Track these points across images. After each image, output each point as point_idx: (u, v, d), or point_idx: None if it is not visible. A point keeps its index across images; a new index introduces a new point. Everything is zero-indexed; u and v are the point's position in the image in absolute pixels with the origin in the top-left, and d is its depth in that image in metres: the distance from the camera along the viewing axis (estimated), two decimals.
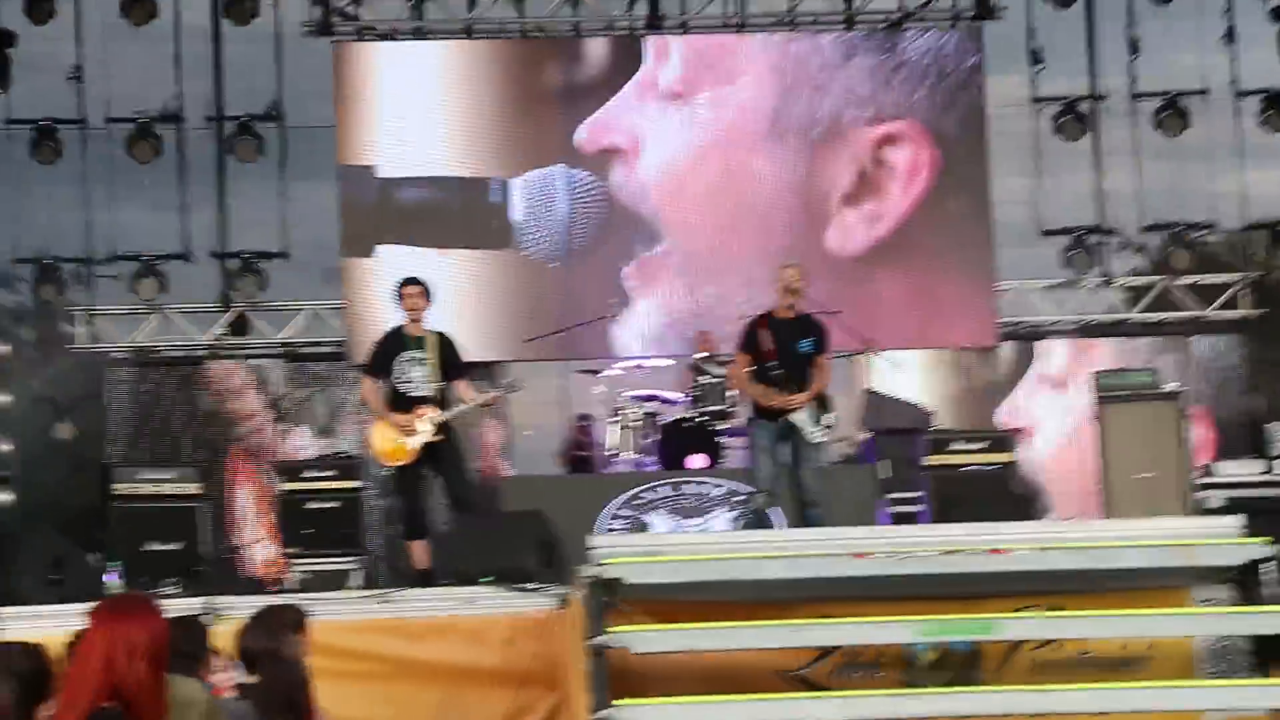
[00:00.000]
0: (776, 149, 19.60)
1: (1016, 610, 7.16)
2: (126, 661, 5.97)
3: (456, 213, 19.38)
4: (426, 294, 13.10)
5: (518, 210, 19.35)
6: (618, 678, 6.98)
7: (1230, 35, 20.18)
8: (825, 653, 7.35)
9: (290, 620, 9.39)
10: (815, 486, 13.18)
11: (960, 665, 7.31)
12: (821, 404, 13.30)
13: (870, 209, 19.61)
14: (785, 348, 13.09)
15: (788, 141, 19.60)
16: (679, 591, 7.28)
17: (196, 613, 8.59)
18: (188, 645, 7.25)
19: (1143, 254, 20.89)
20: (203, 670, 7.58)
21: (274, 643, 8.77)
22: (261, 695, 8.07)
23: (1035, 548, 7.33)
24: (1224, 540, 7.52)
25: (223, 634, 8.41)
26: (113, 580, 13.29)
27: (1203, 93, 20.20)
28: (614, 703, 6.70)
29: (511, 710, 10.54)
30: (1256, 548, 7.32)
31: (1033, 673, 7.34)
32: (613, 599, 7.09)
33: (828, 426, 13.42)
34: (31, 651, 5.77)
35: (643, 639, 6.97)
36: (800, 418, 13.04)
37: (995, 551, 7.28)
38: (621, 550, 7.43)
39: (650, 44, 19.77)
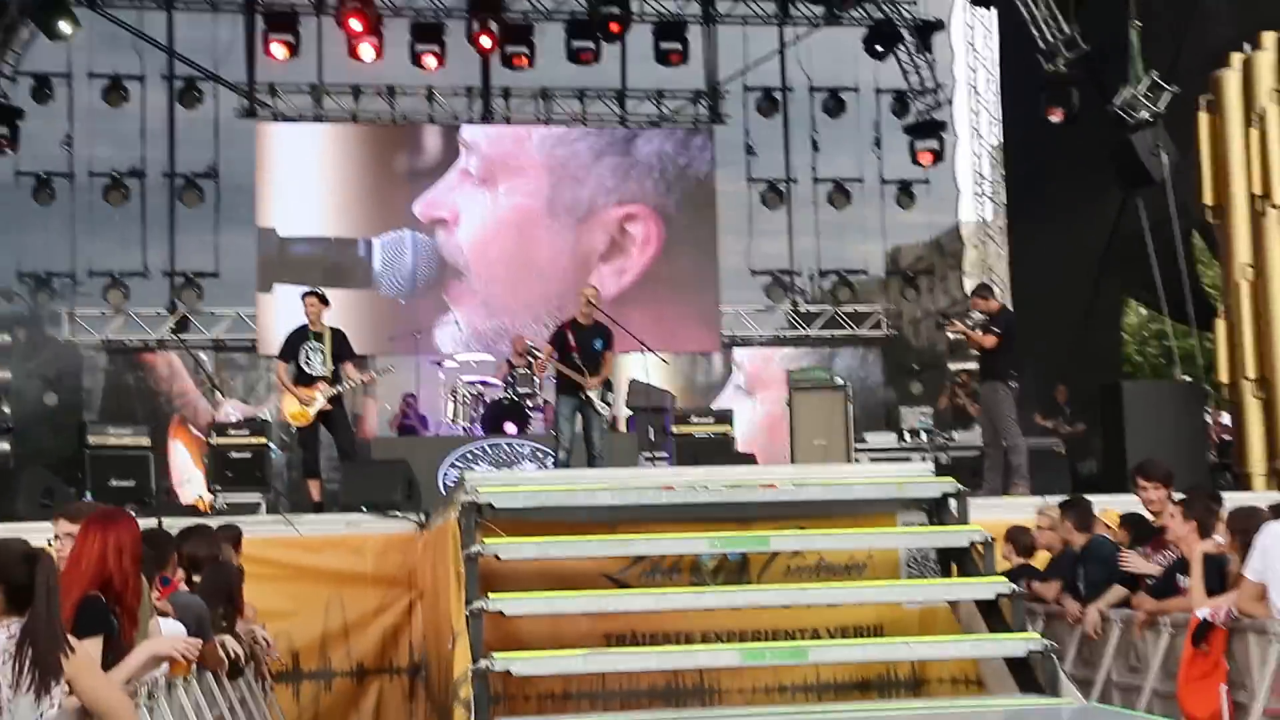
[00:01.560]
0: (553, 223, 19.34)
1: (777, 530, 6.62)
2: (116, 559, 5.21)
3: (333, 262, 18.74)
4: (323, 301, 12.37)
5: (377, 261, 18.97)
6: (482, 579, 6.32)
7: (878, 143, 20.18)
8: (636, 560, 6.76)
9: (228, 536, 8.66)
10: (600, 445, 12.59)
11: (734, 570, 6.81)
12: (607, 386, 12.78)
13: (617, 265, 19.45)
14: (584, 345, 12.52)
15: (560, 218, 19.35)
16: (532, 514, 6.64)
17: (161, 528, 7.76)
18: (156, 551, 6.53)
19: (817, 289, 20.62)
20: (166, 571, 6.84)
21: (214, 550, 8.02)
22: (205, 590, 7.35)
23: (795, 483, 6.83)
24: (923, 479, 7.09)
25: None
26: None
27: (859, 180, 20.14)
28: (491, 595, 6.02)
29: (381, 604, 10.19)
30: (946, 484, 6.89)
31: (786, 575, 6.86)
32: (481, 518, 6.41)
33: (608, 403, 12.89)
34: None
35: (507, 548, 6.32)
36: (592, 395, 12.47)
37: (767, 486, 6.77)
38: (490, 481, 6.76)
39: (463, 141, 19.33)
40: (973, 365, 18.67)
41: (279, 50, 18.42)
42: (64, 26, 17.13)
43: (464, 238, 19.17)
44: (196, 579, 7.61)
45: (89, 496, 12.49)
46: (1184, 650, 6.71)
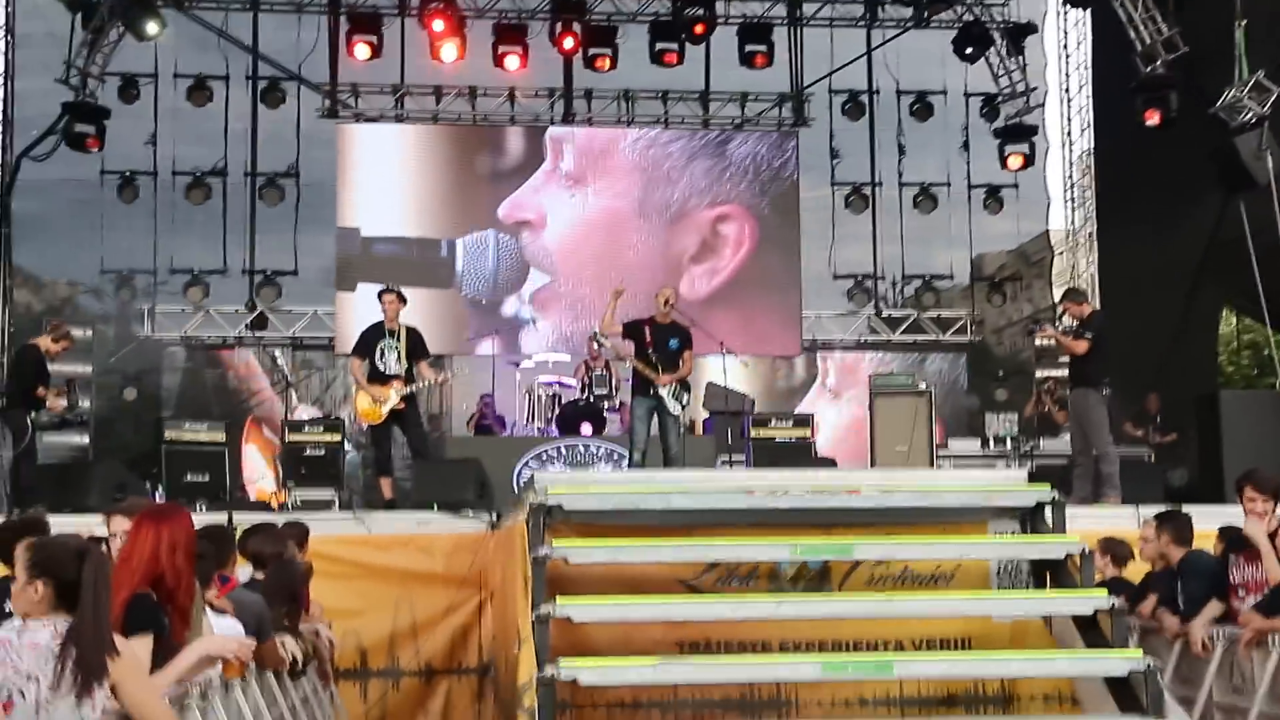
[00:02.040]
0: (644, 224, 19.01)
1: (861, 538, 6.23)
2: (169, 556, 4.98)
3: (416, 262, 18.56)
4: (401, 299, 12.27)
5: (460, 262, 18.76)
6: (550, 583, 5.99)
7: (966, 146, 19.64)
8: (711, 566, 6.40)
9: (294, 533, 8.45)
10: (675, 447, 12.29)
11: (814, 578, 6.43)
12: (683, 386, 12.46)
13: (709, 266, 19.11)
14: (659, 342, 12.26)
15: (651, 219, 19.03)
16: (603, 517, 6.31)
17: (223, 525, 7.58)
18: (216, 547, 6.32)
19: (902, 294, 20.11)
20: (226, 569, 6.60)
21: (279, 548, 7.80)
22: (268, 588, 7.13)
23: (881, 489, 6.44)
24: (1016, 487, 6.65)
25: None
26: (156, 500, 12.17)
27: (946, 184, 19.61)
28: (558, 599, 5.69)
29: (450, 604, 9.99)
30: (1041, 492, 6.45)
31: (868, 585, 6.47)
32: (551, 520, 6.09)
33: (683, 404, 12.55)
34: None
35: (576, 552, 5.99)
36: (664, 393, 12.17)
37: (851, 491, 6.38)
38: (561, 482, 6.44)
39: (548, 141, 19.10)
40: (1060, 372, 18.21)
41: (362, 51, 18.26)
42: (151, 27, 17.20)
43: (550, 239, 18.92)
44: (261, 576, 7.42)
45: (161, 491, 12.40)
46: None
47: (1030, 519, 6.47)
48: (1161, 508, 8.88)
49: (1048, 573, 6.38)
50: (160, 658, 4.85)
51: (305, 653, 7.36)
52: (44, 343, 12.12)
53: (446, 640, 10.04)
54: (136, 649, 4.58)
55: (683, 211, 19.08)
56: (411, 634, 9.98)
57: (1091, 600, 5.94)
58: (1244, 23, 13.56)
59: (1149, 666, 5.66)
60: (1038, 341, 17.39)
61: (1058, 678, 6.11)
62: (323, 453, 13.65)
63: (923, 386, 15.20)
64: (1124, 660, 5.71)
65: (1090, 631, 6.00)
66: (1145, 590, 8.13)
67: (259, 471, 17.28)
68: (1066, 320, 12.49)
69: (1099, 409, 12.05)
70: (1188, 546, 7.90)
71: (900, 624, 6.37)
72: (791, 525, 6.36)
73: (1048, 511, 6.41)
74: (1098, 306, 17.78)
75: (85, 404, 15.50)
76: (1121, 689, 5.78)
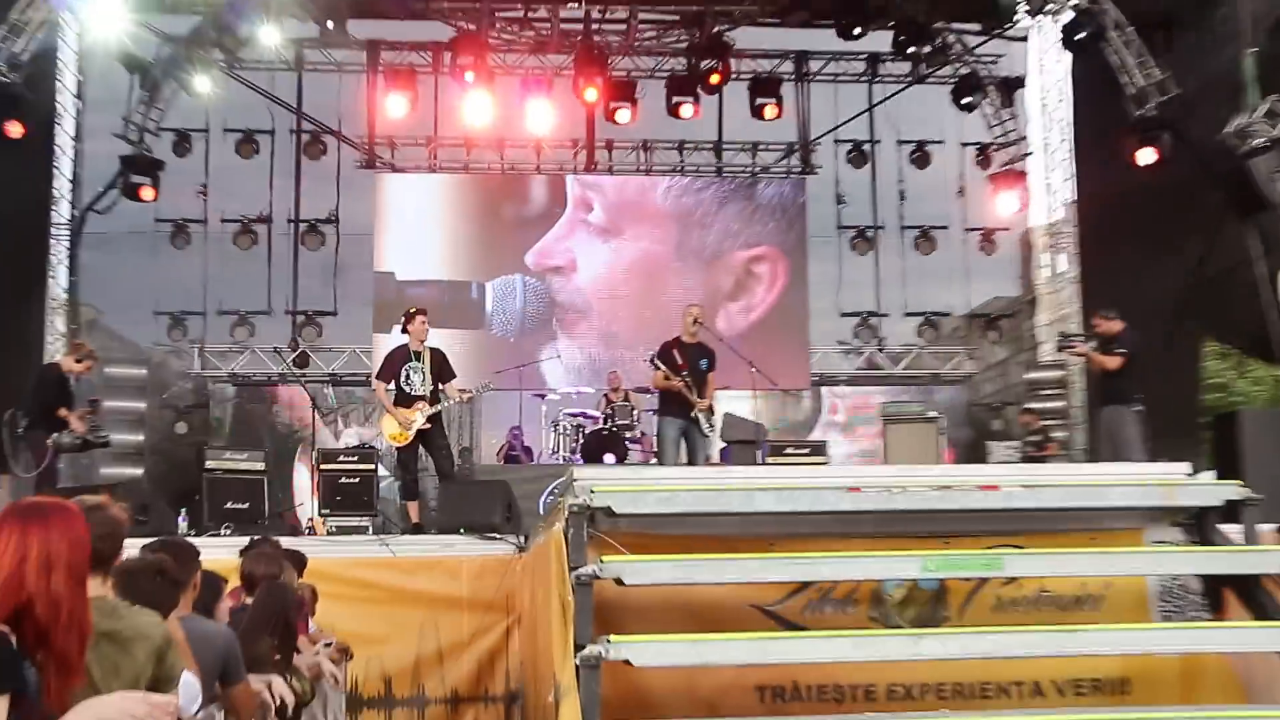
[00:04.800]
0: (681, 267, 17.06)
1: (1005, 547, 3.99)
2: (41, 576, 2.68)
3: (447, 304, 16.50)
4: (427, 322, 10.23)
5: (489, 303, 16.83)
6: (595, 611, 3.74)
7: (962, 191, 17.74)
8: (799, 588, 4.16)
9: (292, 557, 6.24)
10: None
11: (926, 602, 4.26)
12: (710, 409, 10.37)
13: (743, 304, 17.09)
14: (691, 363, 10.17)
15: (688, 262, 17.10)
16: (660, 525, 4.07)
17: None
18: (179, 563, 4.11)
19: (903, 330, 17.99)
20: (190, 596, 4.35)
21: (274, 568, 5.59)
22: (253, 616, 4.93)
23: (1025, 484, 4.24)
24: (1193, 482, 4.42)
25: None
26: (181, 523, 9.95)
27: (944, 227, 17.68)
28: (610, 638, 3.44)
29: (476, 629, 8.23)
30: (1231, 489, 4.25)
31: (995, 611, 4.28)
32: (595, 528, 3.86)
33: (713, 426, 10.44)
34: None
35: (634, 569, 3.75)
36: (700, 416, 10.05)
37: (987, 488, 4.18)
38: (609, 480, 4.20)
39: (571, 191, 17.09)
40: (1041, 405, 16.05)
41: (397, 107, 16.45)
42: (202, 85, 15.49)
43: (584, 281, 16.96)
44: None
45: (184, 516, 10.19)
46: None
47: (1200, 525, 4.23)
48: None
49: (1227, 594, 4.13)
50: None
51: (302, 694, 5.12)
52: (66, 363, 10.07)
53: (473, 667, 8.20)
54: None
55: (718, 254, 17.18)
56: (437, 660, 8.18)
57: None
58: (1253, 49, 11.44)
59: None
60: (1066, 358, 15.25)
61: None
62: (357, 480, 11.55)
63: (932, 414, 13.07)
64: None
65: None
66: None
67: (305, 496, 15.23)
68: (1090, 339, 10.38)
69: (1133, 426, 10.02)
70: None
71: (1035, 662, 4.12)
72: (895, 535, 4.15)
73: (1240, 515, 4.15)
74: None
75: (139, 438, 13.54)
76: None
